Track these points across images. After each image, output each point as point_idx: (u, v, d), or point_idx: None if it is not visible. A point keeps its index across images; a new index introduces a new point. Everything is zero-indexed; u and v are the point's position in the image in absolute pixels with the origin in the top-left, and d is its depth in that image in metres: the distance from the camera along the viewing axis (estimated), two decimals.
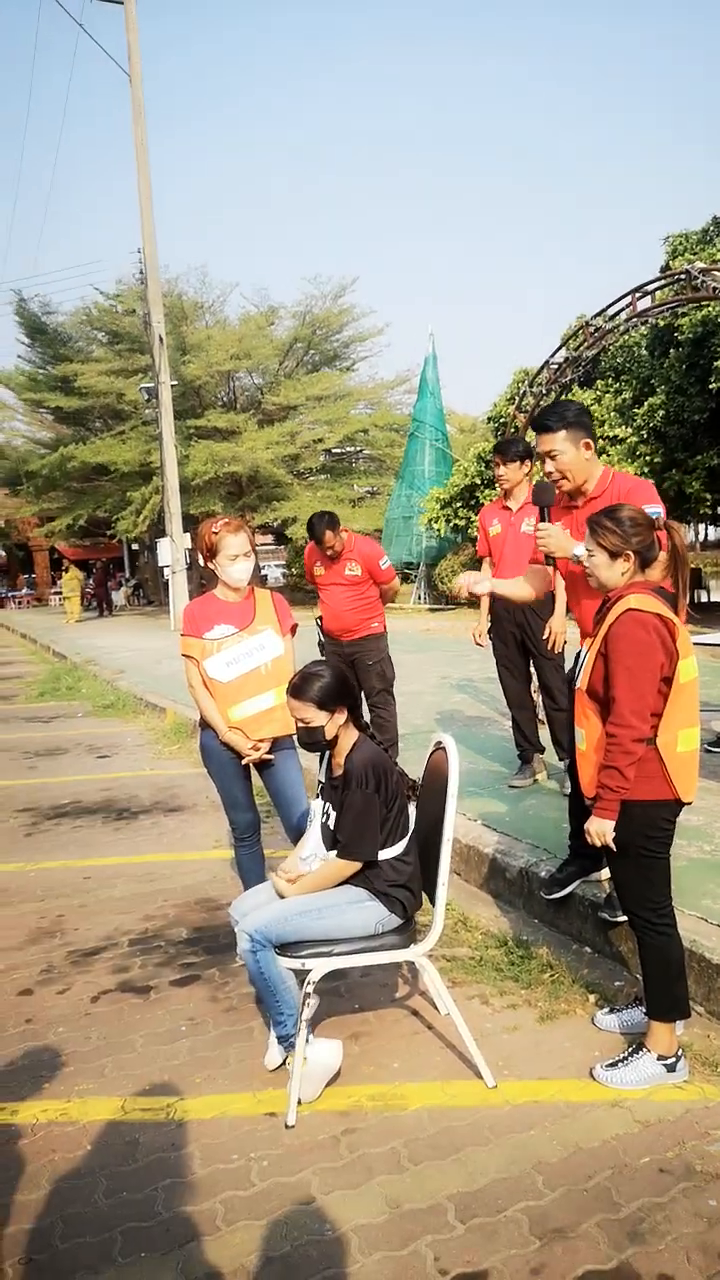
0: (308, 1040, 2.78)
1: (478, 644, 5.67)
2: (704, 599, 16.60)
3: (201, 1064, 3.03)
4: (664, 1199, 2.27)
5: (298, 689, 2.88)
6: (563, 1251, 2.13)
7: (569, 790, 5.00)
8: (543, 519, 3.37)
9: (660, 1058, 2.75)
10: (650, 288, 11.53)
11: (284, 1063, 2.92)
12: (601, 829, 2.71)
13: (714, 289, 9.86)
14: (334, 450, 28.76)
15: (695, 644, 2.82)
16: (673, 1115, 2.60)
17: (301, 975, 2.83)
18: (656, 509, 3.04)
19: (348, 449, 29.46)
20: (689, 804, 2.77)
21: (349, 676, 3.00)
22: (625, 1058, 2.79)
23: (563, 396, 14.82)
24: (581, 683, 2.82)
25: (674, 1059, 2.76)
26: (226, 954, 3.81)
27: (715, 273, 9.94)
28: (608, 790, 2.67)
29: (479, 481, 17.18)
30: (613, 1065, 2.78)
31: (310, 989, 2.79)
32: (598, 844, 2.74)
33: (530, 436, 13.92)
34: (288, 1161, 2.51)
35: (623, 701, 2.62)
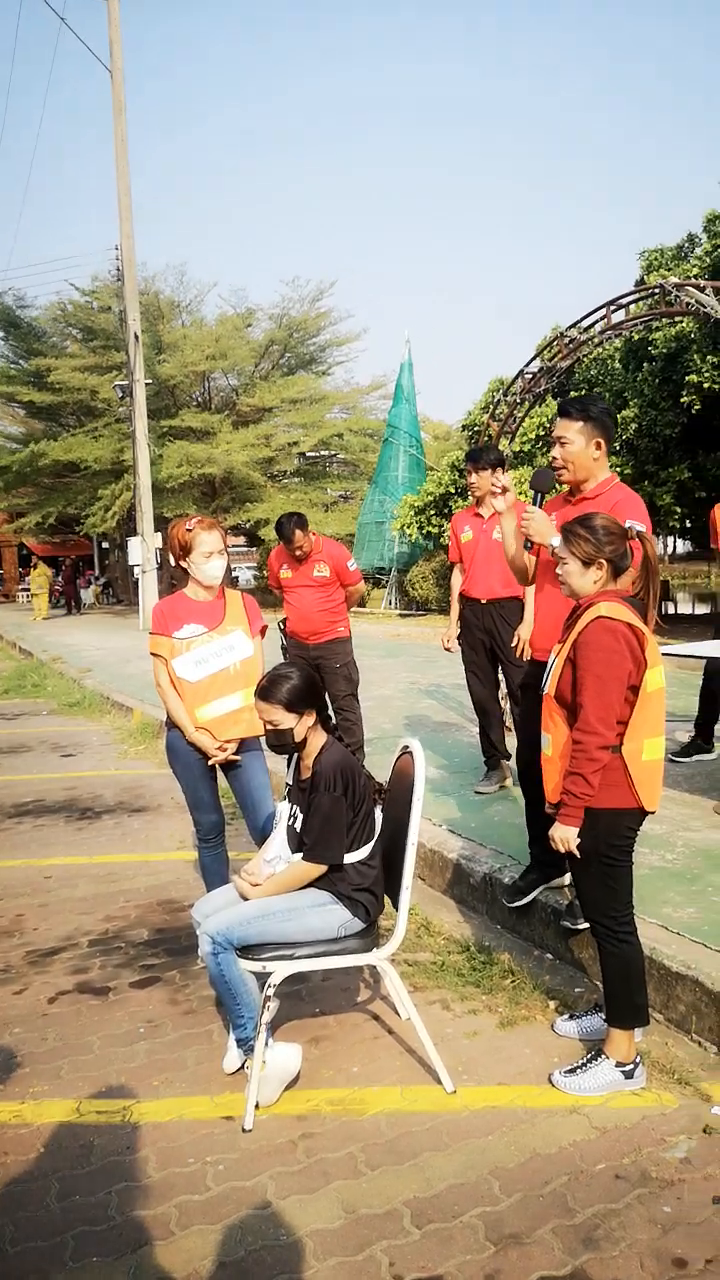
0: (267, 1044, 2.76)
1: (446, 649, 5.69)
2: (671, 610, 16.78)
3: (159, 1066, 3.00)
4: (619, 1205, 2.28)
5: (266, 691, 2.87)
6: (518, 1257, 2.13)
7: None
8: (535, 503, 3.39)
9: (619, 1064, 2.76)
10: (624, 301, 11.64)
11: (243, 1066, 2.90)
12: (565, 835, 2.72)
13: (686, 304, 9.97)
14: (308, 454, 28.75)
15: (662, 654, 2.85)
16: (629, 1122, 2.62)
17: (262, 978, 2.81)
18: (640, 525, 3.07)
19: (322, 453, 29.46)
20: (653, 813, 2.79)
21: (316, 679, 3.00)
22: (584, 1064, 2.80)
23: (536, 407, 14.92)
24: (549, 688, 2.83)
25: (632, 1066, 2.77)
26: (187, 956, 3.78)
27: (689, 288, 10.05)
28: (572, 797, 2.68)
29: (453, 490, 17.24)
30: (571, 1071, 2.79)
31: (271, 992, 2.78)
32: (562, 850, 2.75)
33: (503, 445, 13.94)
34: (244, 1165, 2.49)
35: (589, 708, 2.63)
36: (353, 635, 6.07)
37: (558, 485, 3.53)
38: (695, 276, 11.69)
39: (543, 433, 16.25)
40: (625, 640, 2.62)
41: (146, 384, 19.41)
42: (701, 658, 5.57)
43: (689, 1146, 2.49)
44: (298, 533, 5.62)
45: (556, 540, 2.95)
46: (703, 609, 19.64)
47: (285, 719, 2.85)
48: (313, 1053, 3.04)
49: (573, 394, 15.81)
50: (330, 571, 5.78)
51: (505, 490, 3.60)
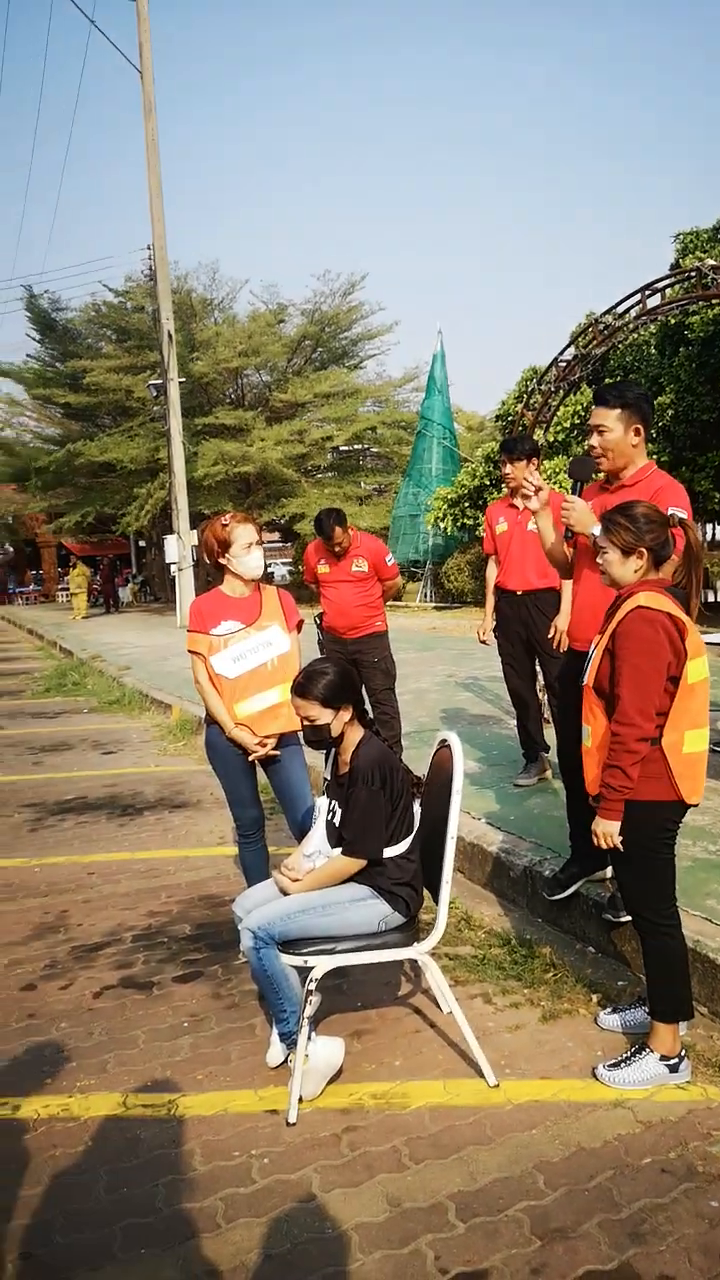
0: (310, 1038, 2.78)
1: (482, 642, 5.66)
2: (712, 598, 16.55)
3: (203, 1060, 3.03)
4: (666, 1200, 2.27)
5: (302, 687, 2.88)
6: (564, 1251, 2.12)
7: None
8: (574, 491, 3.37)
9: (663, 1058, 2.74)
10: (659, 285, 11.48)
11: (286, 1060, 2.92)
12: (607, 830, 2.70)
13: None
14: (342, 448, 28.74)
15: (706, 644, 2.81)
16: (675, 1116, 2.59)
17: (304, 972, 2.82)
18: (681, 512, 3.03)
19: (355, 447, 29.43)
20: (695, 806, 2.76)
21: (353, 673, 3.00)
22: (628, 1058, 2.78)
23: (571, 395, 14.79)
24: (588, 679, 2.80)
25: (677, 1060, 2.75)
26: (229, 950, 3.81)
27: None
28: (611, 790, 2.65)
29: (487, 482, 17.15)
30: (615, 1065, 2.77)
31: (313, 986, 2.79)
32: (604, 845, 2.73)
33: (538, 435, 13.86)
34: (289, 1159, 2.51)
35: (628, 700, 2.61)
36: (389, 629, 6.07)
37: (596, 473, 3.49)
38: None
39: (578, 421, 16.10)
40: (665, 630, 2.59)
41: (180, 382, 19.52)
42: None
43: None
44: (337, 529, 5.62)
45: (598, 529, 2.92)
46: None
47: (322, 714, 2.86)
48: (355, 1046, 3.05)
49: (608, 381, 15.66)
50: (368, 566, 5.78)
51: (538, 490, 3.57)
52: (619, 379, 15.52)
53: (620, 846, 2.71)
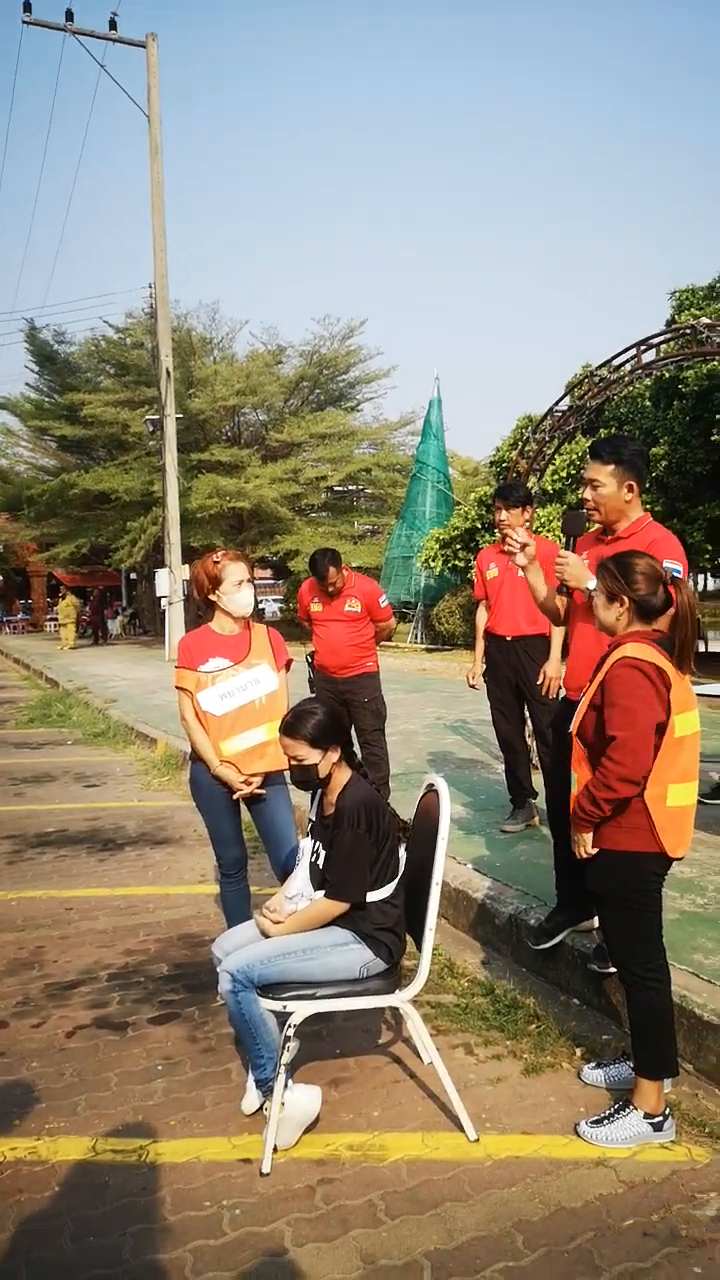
0: (286, 1085, 2.72)
1: (472, 686, 5.66)
2: (702, 649, 16.62)
3: (177, 1105, 2.96)
4: (647, 1264, 2.21)
5: (291, 726, 2.86)
6: None
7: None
8: (566, 547, 3.37)
9: (647, 1116, 2.69)
10: (655, 341, 11.68)
11: (261, 1107, 2.85)
12: (581, 840, 2.76)
13: (718, 344, 10.00)
14: (336, 488, 28.94)
15: (698, 695, 2.81)
16: (658, 1176, 2.54)
17: (283, 1018, 2.77)
18: (677, 566, 3.04)
19: (350, 487, 29.65)
20: (679, 859, 2.74)
21: (342, 714, 2.98)
22: (611, 1115, 2.72)
23: (565, 444, 14.96)
24: (574, 726, 2.80)
25: (661, 1118, 2.70)
26: (207, 992, 3.74)
27: None
28: (580, 809, 2.70)
29: (479, 525, 17.28)
30: (598, 1122, 2.72)
31: (290, 1032, 2.73)
32: (580, 854, 2.77)
33: (531, 483, 13.98)
34: (261, 1210, 2.44)
35: (620, 738, 2.58)
36: (380, 669, 6.05)
37: (588, 525, 3.51)
38: None
39: (573, 470, 16.28)
40: (651, 679, 2.59)
41: (177, 418, 19.68)
42: None
43: None
44: (331, 569, 5.63)
45: (593, 583, 2.93)
46: None
47: (309, 754, 2.83)
48: (333, 1095, 2.98)
49: (602, 431, 15.87)
50: (362, 607, 5.78)
51: (524, 546, 3.58)
52: (614, 430, 15.74)
53: (588, 850, 2.74)
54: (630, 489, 3.32)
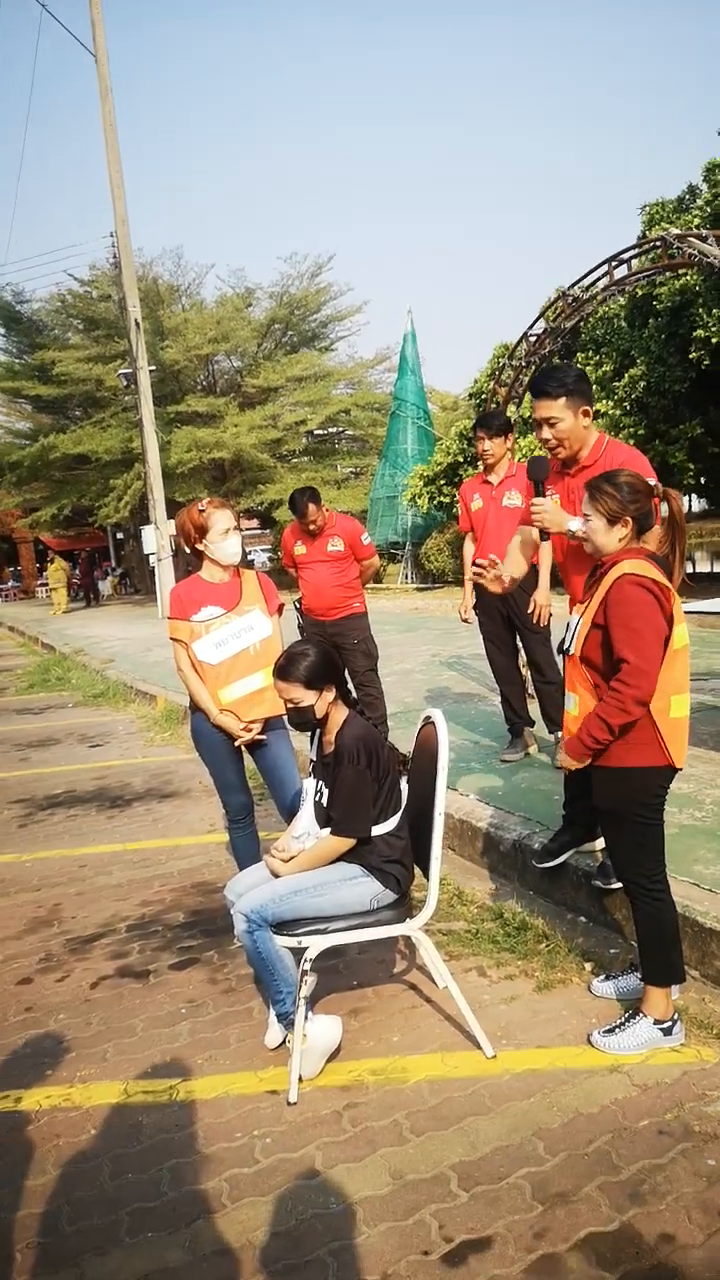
0: (307, 1017, 2.79)
1: (464, 620, 5.68)
2: (690, 569, 16.66)
3: (202, 1045, 3.05)
4: (663, 1160, 2.30)
5: (284, 670, 2.88)
6: (565, 1215, 2.15)
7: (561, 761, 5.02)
8: (537, 493, 3.31)
9: (657, 1022, 2.77)
10: (626, 256, 11.47)
11: (284, 1041, 2.94)
12: (567, 764, 2.80)
13: (689, 255, 9.82)
14: (316, 432, 28.63)
15: (685, 612, 2.83)
16: (670, 1078, 2.63)
17: (298, 953, 2.84)
18: (650, 481, 3.03)
19: (330, 430, 29.33)
20: (680, 770, 2.79)
21: (334, 654, 3.00)
22: (622, 1023, 2.81)
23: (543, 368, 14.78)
24: (575, 650, 2.80)
25: (670, 1023, 2.78)
26: (224, 936, 3.82)
27: (691, 239, 9.89)
28: (589, 737, 2.68)
29: (461, 459, 17.15)
30: (610, 1031, 2.80)
31: (307, 966, 2.80)
32: (566, 769, 2.83)
33: (511, 411, 13.79)
34: (291, 1137, 2.53)
35: (633, 661, 2.58)
36: (370, 611, 6.07)
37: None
38: (697, 227, 11.49)
39: None
40: (654, 594, 2.61)
41: (150, 370, 19.35)
42: None
43: None
44: (310, 506, 5.62)
45: (573, 524, 2.92)
46: None
47: (305, 696, 2.86)
48: (353, 1024, 3.07)
49: (579, 356, 15.65)
50: (344, 545, 5.78)
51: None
52: (591, 353, 15.53)
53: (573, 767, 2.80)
54: (586, 414, 3.27)
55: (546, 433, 3.29)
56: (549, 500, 3.24)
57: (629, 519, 2.70)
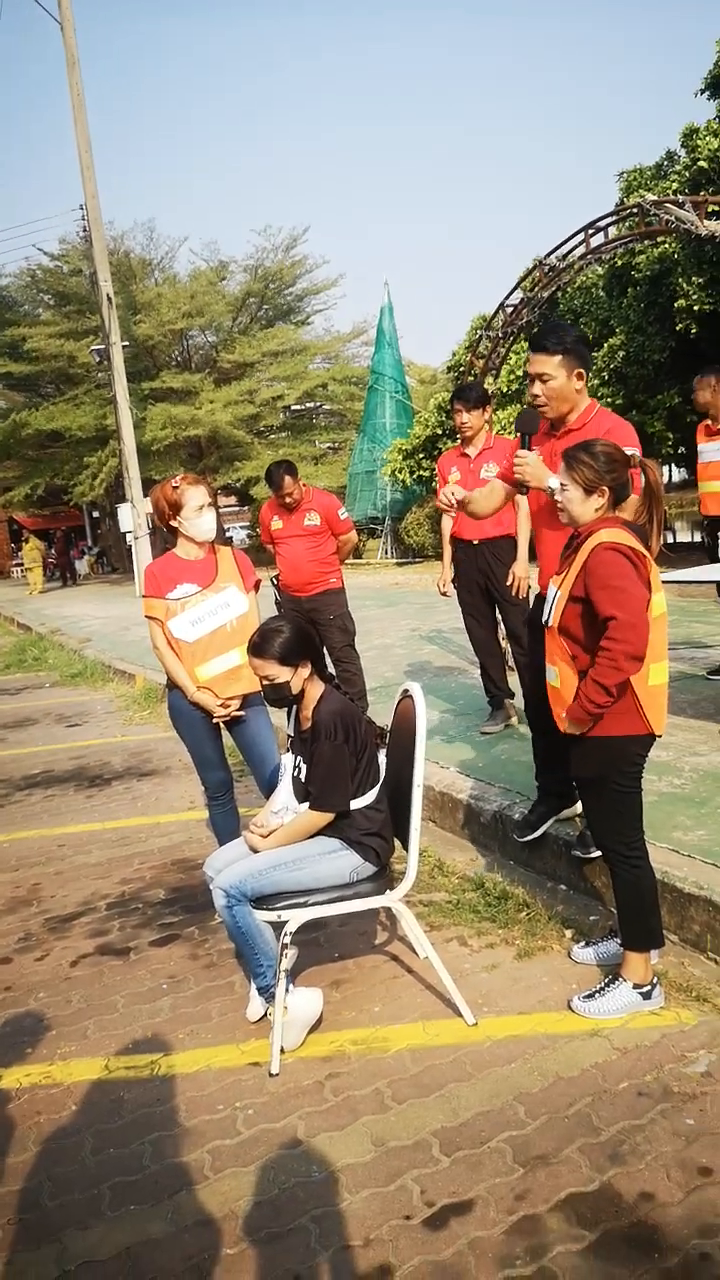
0: (288, 990, 2.79)
1: (443, 594, 5.66)
2: (671, 539, 16.71)
3: (184, 1020, 3.05)
4: (643, 1121, 2.32)
5: (258, 647, 2.85)
6: (546, 1177, 2.17)
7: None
8: (523, 446, 3.28)
9: (636, 986, 2.79)
10: (602, 224, 11.40)
11: (266, 1014, 2.94)
12: (570, 731, 2.74)
13: (667, 222, 9.77)
14: (294, 407, 28.41)
15: (663, 581, 2.82)
16: (649, 1041, 2.65)
17: (279, 927, 2.83)
18: (633, 451, 3.01)
19: (307, 405, 29.11)
20: (660, 737, 2.79)
21: (309, 629, 2.98)
22: (602, 988, 2.83)
23: (520, 341, 14.70)
24: (553, 621, 2.78)
25: (649, 987, 2.80)
26: (204, 912, 3.81)
27: (668, 204, 9.84)
28: (591, 704, 2.62)
29: (440, 432, 17.07)
30: (590, 996, 2.82)
31: (287, 939, 2.80)
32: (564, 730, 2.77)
33: (488, 383, 13.71)
34: (273, 1108, 2.54)
35: (620, 616, 2.55)
36: (349, 587, 6.05)
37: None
38: (675, 193, 11.40)
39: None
40: (632, 560, 2.59)
41: (124, 346, 19.10)
42: (704, 582, 5.55)
43: (709, 1060, 2.53)
44: (286, 479, 5.59)
45: (554, 481, 2.89)
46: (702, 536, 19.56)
47: (280, 672, 2.83)
48: (334, 996, 3.08)
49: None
50: (321, 520, 5.74)
51: (458, 502, 3.52)
52: (570, 322, 15.46)
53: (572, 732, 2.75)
54: (579, 376, 3.24)
55: (537, 388, 3.26)
56: (533, 454, 3.21)
57: (605, 488, 2.68)
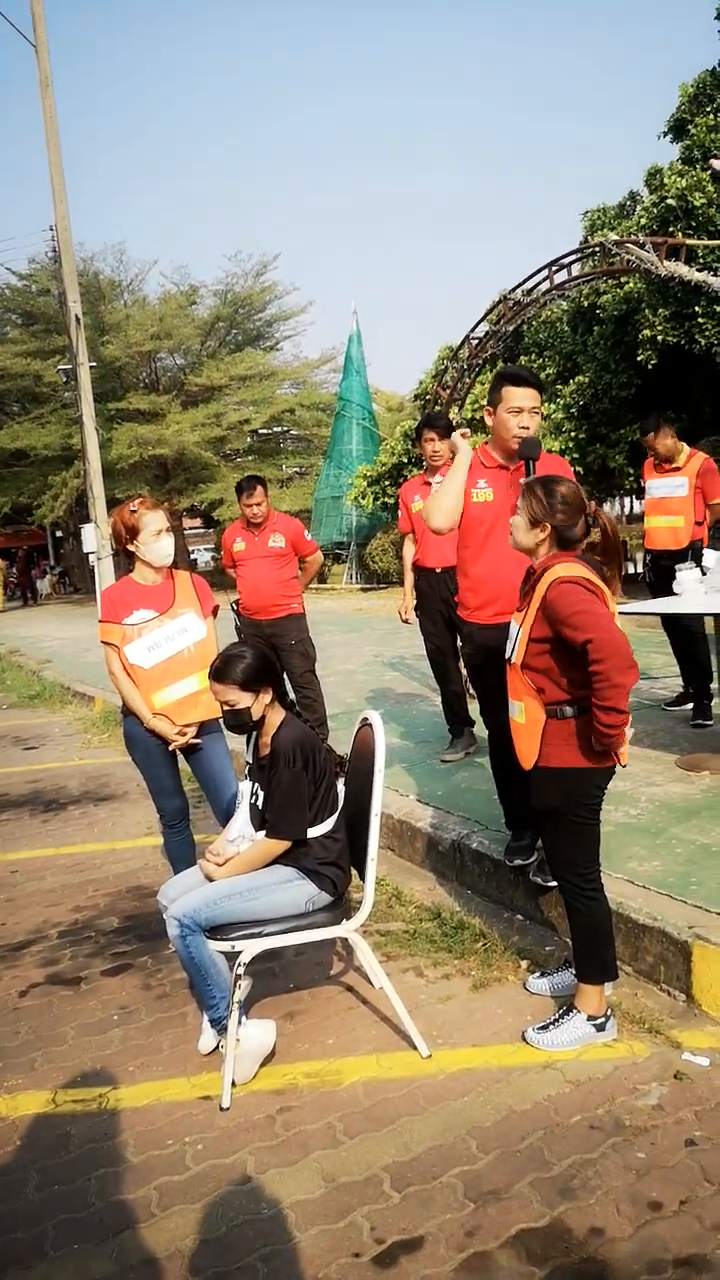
0: (241, 1021, 2.76)
1: (404, 621, 5.69)
2: (628, 569, 16.94)
3: (135, 1052, 3.00)
4: (594, 1155, 2.32)
5: (220, 672, 2.84)
6: (496, 1212, 2.16)
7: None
8: (527, 472, 3.38)
9: (590, 1018, 2.80)
10: (566, 261, 11.64)
11: (218, 1046, 2.90)
12: (528, 768, 2.80)
13: (628, 261, 9.99)
14: (261, 431, 28.48)
15: (621, 613, 2.86)
16: (602, 1073, 2.66)
17: (232, 957, 2.80)
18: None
19: (275, 429, 29.20)
20: (624, 767, 2.81)
21: (271, 655, 2.97)
22: (556, 1020, 2.83)
23: (485, 371, 14.91)
24: (516, 658, 2.79)
25: (603, 1019, 2.81)
26: (158, 941, 3.76)
27: (629, 245, 10.06)
28: (603, 728, 2.58)
29: (406, 460, 17.20)
30: (544, 1028, 2.82)
31: (241, 970, 2.77)
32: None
33: (452, 413, 13.83)
34: (223, 1143, 2.50)
35: (596, 637, 2.54)
36: (313, 612, 6.05)
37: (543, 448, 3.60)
38: (638, 232, 11.67)
39: None
40: (590, 590, 2.62)
41: (91, 367, 19.03)
42: (656, 614, 5.63)
43: (661, 1093, 2.54)
44: (258, 487, 5.62)
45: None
46: None
47: (241, 698, 2.82)
48: (288, 1027, 3.05)
49: (523, 359, 15.81)
50: (285, 542, 5.75)
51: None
52: (533, 356, 15.69)
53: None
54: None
55: (527, 420, 3.44)
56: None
57: (548, 526, 2.73)
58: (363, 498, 18.45)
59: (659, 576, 5.80)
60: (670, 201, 11.13)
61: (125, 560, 3.76)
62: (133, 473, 25.03)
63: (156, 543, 3.57)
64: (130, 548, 3.60)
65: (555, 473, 3.20)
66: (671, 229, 10.97)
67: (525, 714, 2.80)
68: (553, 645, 2.67)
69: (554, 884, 3.43)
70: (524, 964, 3.31)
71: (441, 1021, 3.00)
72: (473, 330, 13.30)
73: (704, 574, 5.02)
